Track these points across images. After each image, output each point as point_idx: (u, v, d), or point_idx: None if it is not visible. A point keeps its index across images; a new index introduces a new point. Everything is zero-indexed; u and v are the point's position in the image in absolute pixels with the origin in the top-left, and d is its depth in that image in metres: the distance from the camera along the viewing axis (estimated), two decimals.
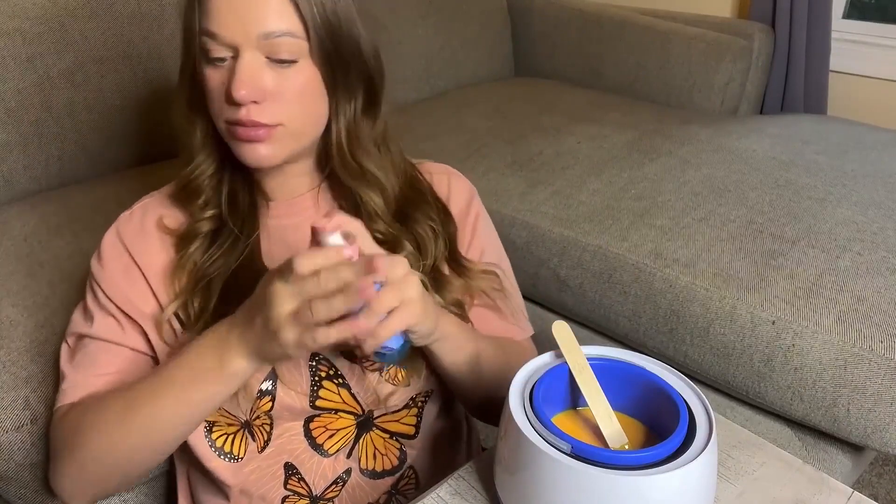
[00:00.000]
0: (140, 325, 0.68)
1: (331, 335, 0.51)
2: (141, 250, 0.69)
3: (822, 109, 1.78)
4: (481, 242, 0.78)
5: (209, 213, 0.69)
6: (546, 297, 1.20)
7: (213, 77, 0.63)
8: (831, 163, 1.27)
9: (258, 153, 0.64)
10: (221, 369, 0.57)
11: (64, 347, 0.71)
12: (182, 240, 0.69)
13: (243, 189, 0.71)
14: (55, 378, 0.84)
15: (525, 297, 1.24)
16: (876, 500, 0.69)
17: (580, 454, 0.46)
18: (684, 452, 0.47)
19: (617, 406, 0.54)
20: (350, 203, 0.71)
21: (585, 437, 0.53)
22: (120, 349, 0.68)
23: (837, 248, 1.00)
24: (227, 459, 0.69)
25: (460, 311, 0.72)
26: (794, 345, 0.91)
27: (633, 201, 1.18)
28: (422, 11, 1.81)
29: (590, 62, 1.93)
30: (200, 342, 0.59)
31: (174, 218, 0.71)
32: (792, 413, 0.94)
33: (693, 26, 1.78)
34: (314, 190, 0.73)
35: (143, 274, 0.69)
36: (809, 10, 1.69)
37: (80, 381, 0.67)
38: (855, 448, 0.96)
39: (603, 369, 0.54)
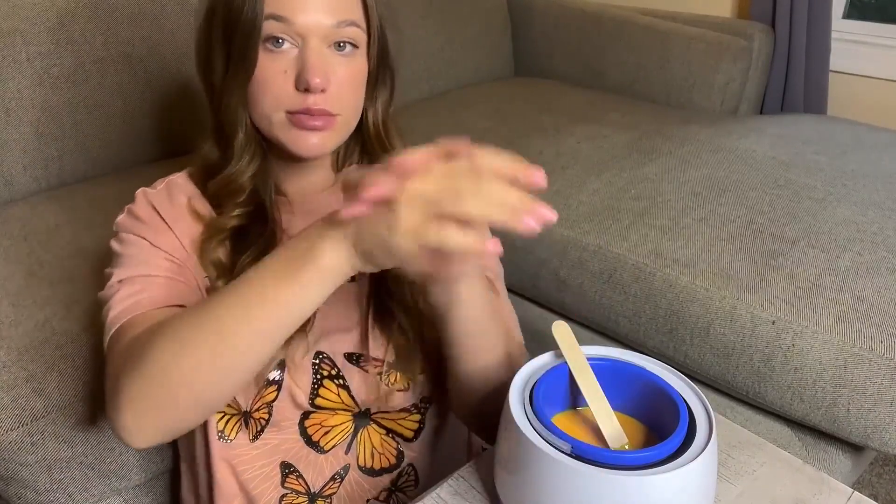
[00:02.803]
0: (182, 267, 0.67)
1: (458, 239, 0.43)
2: (174, 218, 0.68)
3: (822, 109, 1.78)
4: None
5: (240, 210, 0.69)
6: (546, 297, 1.20)
7: (272, 66, 0.63)
8: (831, 163, 1.27)
9: (311, 142, 0.65)
10: (315, 262, 0.48)
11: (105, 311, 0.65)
12: (209, 229, 0.68)
13: (265, 185, 0.72)
14: (55, 377, 0.84)
15: (525, 297, 1.25)
16: (876, 500, 0.69)
17: (580, 454, 0.46)
18: (684, 452, 0.47)
19: (617, 406, 0.53)
20: None
21: (585, 437, 0.53)
22: (163, 278, 0.65)
23: (837, 248, 1.00)
24: (218, 437, 0.69)
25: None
26: (794, 345, 0.91)
27: (633, 201, 1.18)
28: (422, 11, 1.81)
29: (590, 62, 1.93)
30: (288, 244, 0.52)
31: (202, 204, 0.70)
32: (792, 413, 0.94)
33: (693, 26, 1.78)
34: (327, 191, 0.74)
35: (179, 240, 0.67)
36: (809, 10, 1.69)
37: (130, 297, 0.62)
38: (855, 448, 0.96)
39: (603, 369, 0.54)
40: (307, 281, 0.49)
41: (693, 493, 0.47)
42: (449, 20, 1.87)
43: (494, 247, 0.44)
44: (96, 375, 0.85)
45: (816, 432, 0.96)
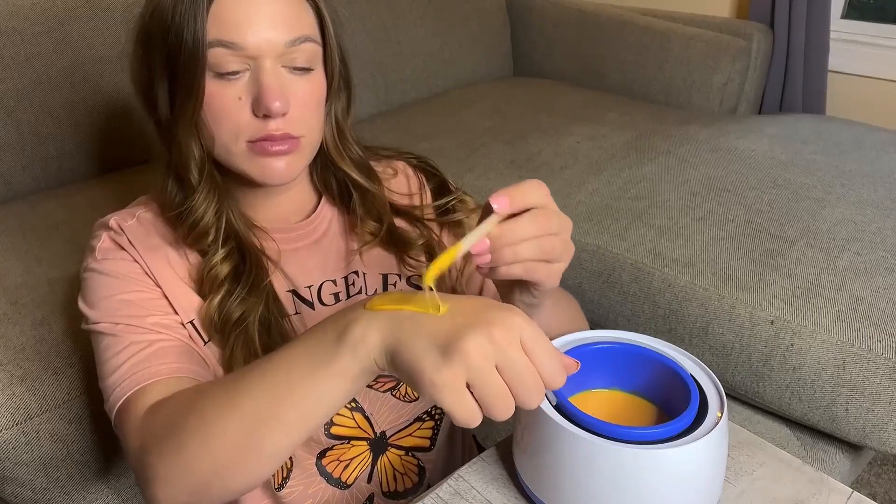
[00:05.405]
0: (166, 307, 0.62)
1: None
2: (153, 260, 0.63)
3: (820, 109, 1.78)
4: None
5: (223, 251, 0.63)
6: None
7: (223, 93, 0.58)
8: (830, 162, 1.27)
9: (278, 168, 0.60)
10: (339, 360, 0.45)
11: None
12: (204, 285, 0.63)
13: (239, 219, 0.66)
14: (50, 376, 0.83)
15: None
16: (874, 499, 0.69)
17: (597, 431, 0.48)
18: (697, 428, 0.49)
19: (631, 388, 0.56)
20: (345, 199, 0.71)
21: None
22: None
23: (836, 247, 1.00)
24: None
25: (428, 250, 0.70)
26: (792, 344, 0.91)
27: (632, 201, 1.18)
28: (421, 11, 1.81)
29: (589, 62, 1.93)
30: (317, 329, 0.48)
31: (176, 241, 0.65)
32: (790, 412, 0.94)
33: (692, 26, 1.78)
34: (315, 211, 0.71)
35: (160, 287, 0.62)
36: (808, 10, 1.69)
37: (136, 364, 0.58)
38: (853, 447, 0.96)
39: (615, 353, 0.56)
40: (335, 373, 0.44)
41: (705, 467, 0.49)
42: (448, 20, 1.87)
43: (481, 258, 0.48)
44: (91, 374, 0.85)
45: (815, 432, 0.96)
